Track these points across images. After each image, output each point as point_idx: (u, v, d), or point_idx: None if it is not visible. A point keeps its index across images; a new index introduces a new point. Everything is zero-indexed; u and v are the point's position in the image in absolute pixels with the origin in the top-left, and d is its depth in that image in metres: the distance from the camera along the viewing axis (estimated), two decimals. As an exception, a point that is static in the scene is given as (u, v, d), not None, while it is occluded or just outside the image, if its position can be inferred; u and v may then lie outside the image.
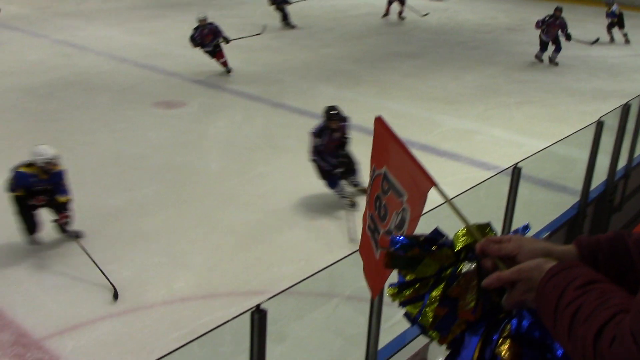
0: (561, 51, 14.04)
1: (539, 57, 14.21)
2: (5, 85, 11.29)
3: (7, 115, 9.74)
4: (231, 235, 6.37)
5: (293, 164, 8.28)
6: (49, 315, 5.04)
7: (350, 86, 12.19)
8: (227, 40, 12.12)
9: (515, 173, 4.49)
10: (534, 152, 5.59)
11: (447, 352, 1.34)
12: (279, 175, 7.89)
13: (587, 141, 5.86)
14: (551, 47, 14.02)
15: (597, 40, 15.60)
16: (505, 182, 4.87)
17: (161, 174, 7.82)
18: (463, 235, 1.26)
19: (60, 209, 5.91)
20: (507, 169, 4.91)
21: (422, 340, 4.06)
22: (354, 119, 10.13)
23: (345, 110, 10.66)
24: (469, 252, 1.22)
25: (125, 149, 8.61)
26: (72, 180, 7.51)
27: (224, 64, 12.38)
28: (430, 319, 1.20)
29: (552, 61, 14.09)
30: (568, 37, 13.94)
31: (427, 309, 1.20)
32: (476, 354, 1.13)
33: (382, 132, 2.72)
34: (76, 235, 6.03)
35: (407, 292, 1.24)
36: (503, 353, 1.10)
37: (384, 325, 3.71)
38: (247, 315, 2.82)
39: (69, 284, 5.47)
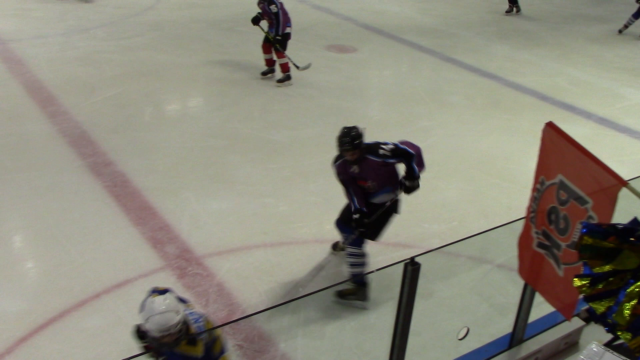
0: None
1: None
2: (192, 16, 12.00)
3: (192, 45, 10.37)
4: (386, 185, 6.37)
5: (457, 121, 8.06)
6: (210, 236, 5.39)
7: (528, 47, 11.53)
8: (269, 37, 8.91)
9: None
10: None
11: (605, 339, 1.24)
12: (441, 131, 7.72)
13: None
14: None
15: None
16: (694, 169, 4.39)
17: (325, 116, 7.97)
18: None
19: None
20: (700, 154, 4.42)
21: (575, 323, 3.85)
22: (528, 83, 9.64)
23: (520, 72, 10.19)
24: None
25: (294, 89, 8.84)
26: (242, 113, 7.89)
27: (282, 67, 8.96)
28: (627, 317, 1.09)
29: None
30: None
31: (624, 305, 1.09)
32: None
33: (554, 138, 2.53)
34: None
35: (600, 285, 1.14)
36: None
37: (536, 299, 3.56)
38: (399, 266, 2.82)
39: (230, 210, 5.79)
